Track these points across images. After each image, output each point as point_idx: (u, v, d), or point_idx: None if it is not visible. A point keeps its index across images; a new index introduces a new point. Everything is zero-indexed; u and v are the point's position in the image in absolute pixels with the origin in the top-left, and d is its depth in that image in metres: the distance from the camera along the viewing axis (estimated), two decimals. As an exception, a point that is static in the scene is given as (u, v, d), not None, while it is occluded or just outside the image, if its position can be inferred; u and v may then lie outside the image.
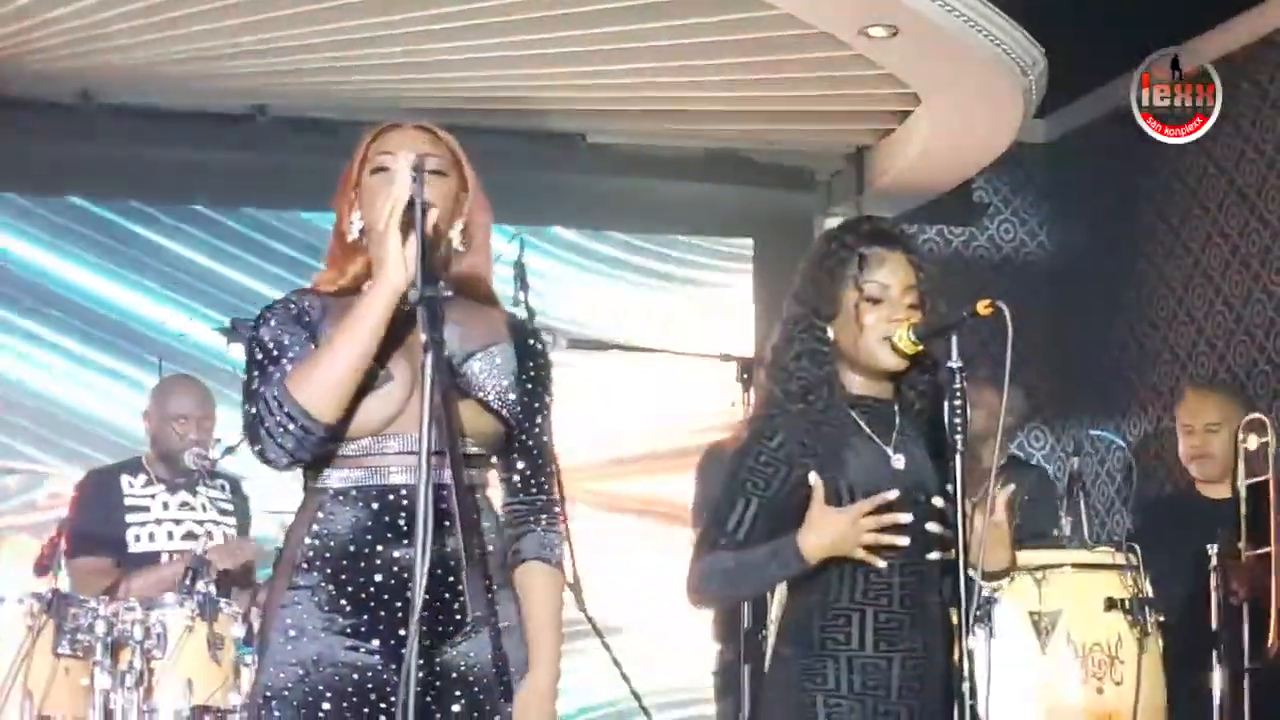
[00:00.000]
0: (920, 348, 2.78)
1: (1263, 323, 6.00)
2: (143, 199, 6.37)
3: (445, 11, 5.33)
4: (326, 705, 2.44)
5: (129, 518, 4.68)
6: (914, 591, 2.77)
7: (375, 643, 2.46)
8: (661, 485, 6.63)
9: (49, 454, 6.10)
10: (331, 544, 2.48)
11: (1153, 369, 6.54)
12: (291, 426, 2.41)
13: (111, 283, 6.30)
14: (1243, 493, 4.43)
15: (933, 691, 2.78)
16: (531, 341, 2.65)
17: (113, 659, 3.98)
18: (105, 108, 6.08)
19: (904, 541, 2.73)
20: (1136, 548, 4.18)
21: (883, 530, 2.69)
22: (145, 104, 6.13)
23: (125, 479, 4.75)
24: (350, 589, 2.46)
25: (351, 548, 2.47)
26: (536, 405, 2.62)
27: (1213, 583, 4.28)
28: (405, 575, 2.43)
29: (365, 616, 2.46)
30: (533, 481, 2.63)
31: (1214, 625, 4.25)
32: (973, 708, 2.70)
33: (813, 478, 2.72)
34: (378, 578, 2.46)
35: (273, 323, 2.53)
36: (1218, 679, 4.21)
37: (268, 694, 2.47)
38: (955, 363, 2.72)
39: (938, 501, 2.77)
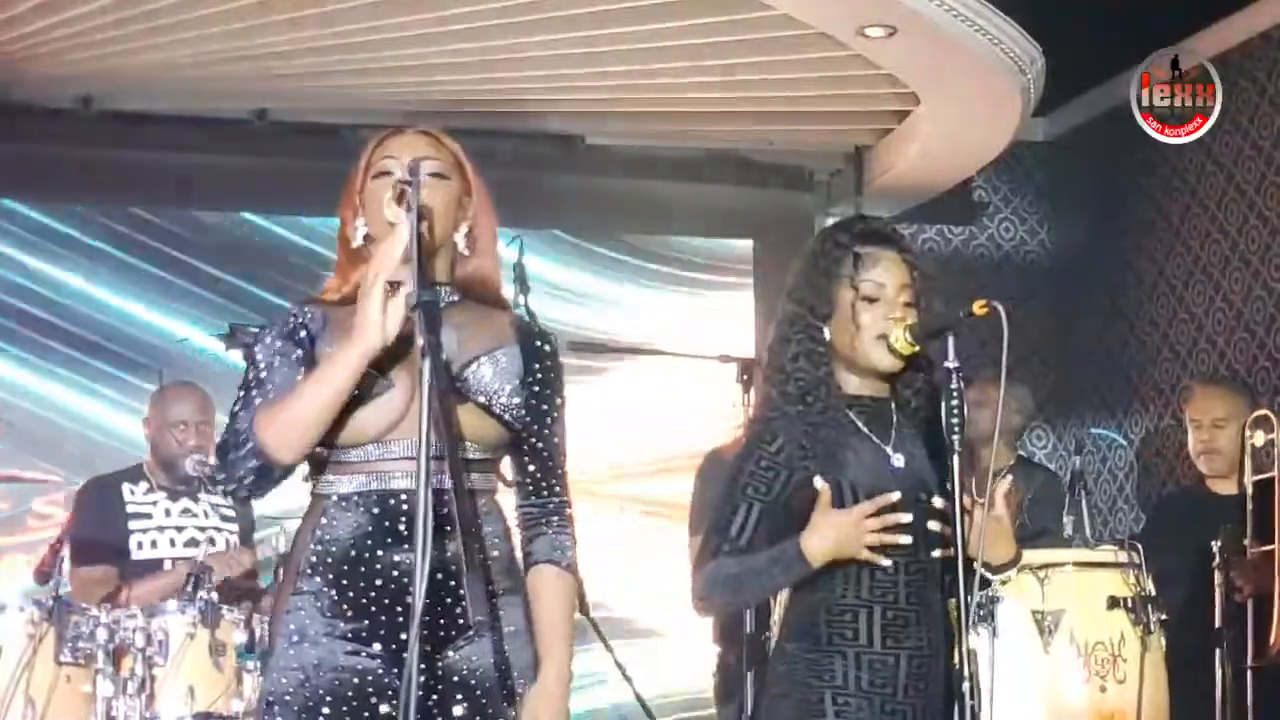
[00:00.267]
0: (916, 348, 2.78)
1: (1263, 319, 6.00)
2: (143, 204, 6.37)
3: (444, 15, 5.33)
4: (327, 709, 2.44)
5: (131, 525, 4.66)
6: (919, 589, 2.76)
7: (377, 647, 2.46)
8: (665, 487, 6.62)
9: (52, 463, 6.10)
10: (334, 549, 2.49)
11: (1153, 367, 6.54)
12: (252, 463, 2.46)
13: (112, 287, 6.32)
14: (1249, 489, 4.43)
15: (937, 690, 2.77)
16: (539, 343, 2.64)
17: (114, 666, 3.98)
18: (106, 113, 6.08)
19: (906, 540, 2.73)
20: (1139, 546, 4.18)
21: (885, 530, 2.69)
22: (145, 109, 6.13)
23: (126, 486, 4.73)
24: (352, 594, 2.47)
25: (353, 553, 2.48)
26: (545, 407, 2.61)
27: (1216, 580, 4.27)
28: (406, 580, 2.43)
29: (366, 621, 2.47)
30: (543, 484, 2.63)
31: (1217, 622, 4.24)
32: (973, 708, 2.69)
33: (818, 481, 2.72)
34: (379, 582, 2.47)
35: (268, 340, 2.55)
36: (1220, 677, 4.20)
37: (270, 699, 2.48)
38: (952, 363, 2.72)
39: (938, 501, 2.77)
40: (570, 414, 2.66)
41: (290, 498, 2.72)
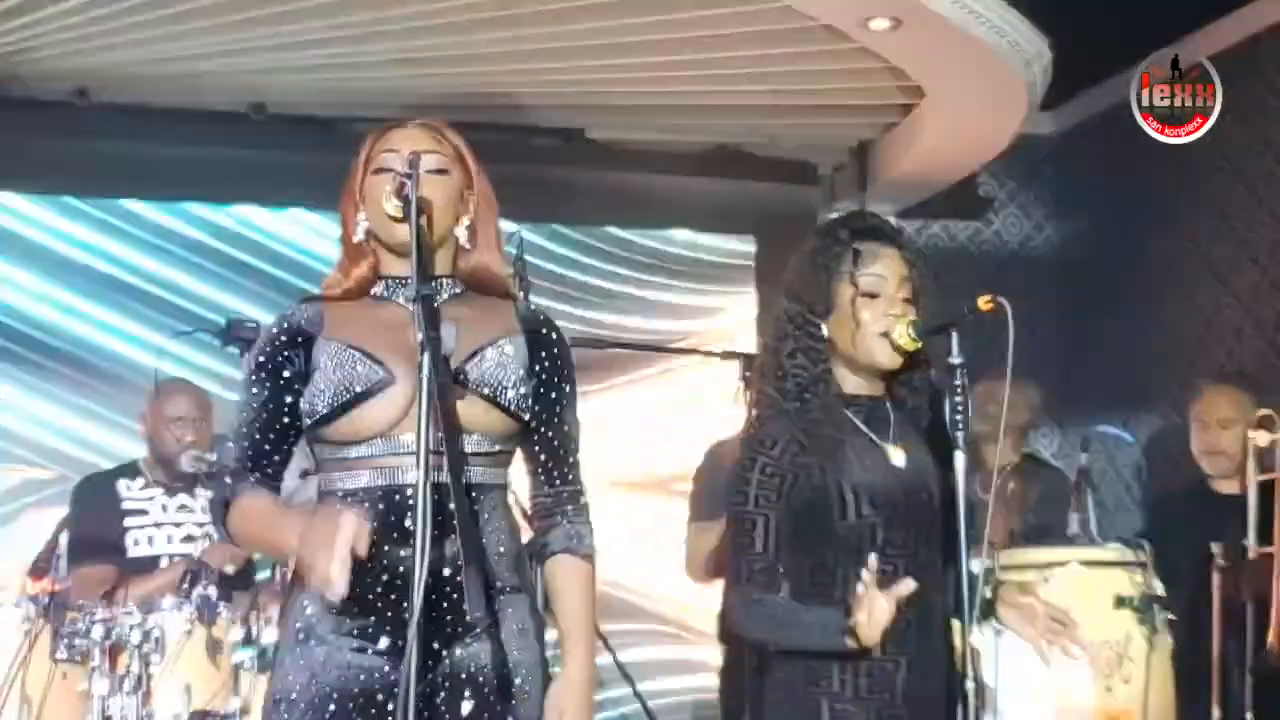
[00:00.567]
0: (920, 345, 2.76)
1: (1271, 316, 5.98)
2: (140, 197, 6.36)
3: (443, 7, 5.33)
4: (333, 707, 2.46)
5: (127, 521, 4.66)
6: (919, 591, 2.73)
7: (383, 644, 2.48)
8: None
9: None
10: None
11: (1160, 364, 6.51)
12: (222, 529, 2.60)
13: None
14: (1253, 490, 4.40)
15: (937, 694, 2.76)
16: (545, 331, 2.64)
17: (110, 664, 3.96)
18: (102, 106, 6.06)
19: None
20: (1146, 545, 4.15)
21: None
22: (142, 102, 6.12)
23: (123, 483, 4.73)
24: (358, 591, 2.45)
25: (359, 550, 2.45)
26: (554, 395, 2.62)
27: (1215, 581, 4.24)
28: (411, 576, 2.41)
29: (372, 618, 2.48)
30: (556, 473, 2.64)
31: (1215, 623, 4.22)
32: (977, 708, 2.67)
33: (860, 586, 2.61)
34: (385, 579, 2.48)
35: (260, 346, 2.59)
36: (1218, 679, 4.18)
37: (277, 697, 2.50)
38: (957, 359, 2.70)
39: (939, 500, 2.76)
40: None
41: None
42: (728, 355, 4.45)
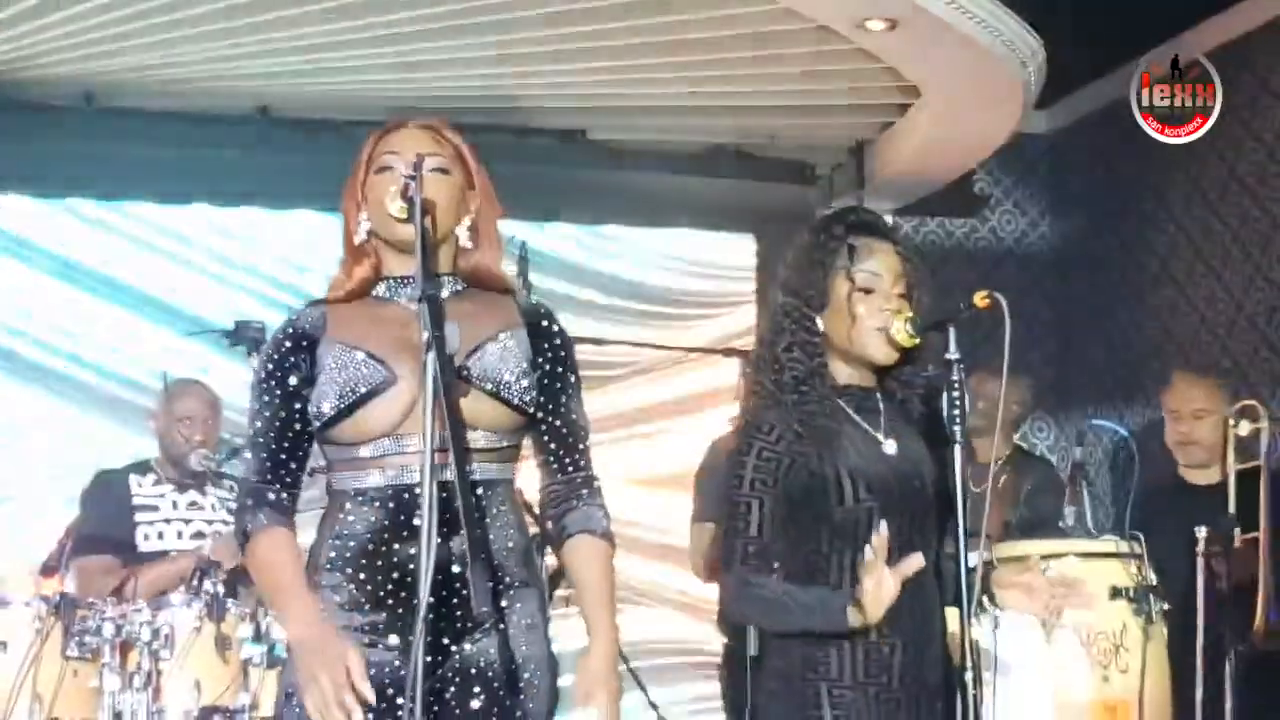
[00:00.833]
0: (917, 340, 2.78)
1: (1264, 310, 6.00)
2: (145, 200, 6.37)
3: (444, 10, 5.34)
4: None
5: (138, 516, 4.68)
6: (913, 576, 2.73)
7: (393, 639, 2.49)
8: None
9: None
10: (352, 544, 2.51)
11: (1155, 358, 6.54)
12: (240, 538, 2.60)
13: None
14: (1233, 479, 4.42)
15: (933, 677, 2.78)
16: (546, 323, 2.66)
17: (121, 660, 3.99)
18: (108, 110, 6.09)
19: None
20: (1140, 536, 4.18)
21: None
22: (148, 106, 6.13)
23: (134, 479, 4.76)
24: (369, 587, 2.49)
25: (370, 547, 2.50)
26: (559, 385, 2.63)
27: (1199, 568, 4.27)
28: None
29: (383, 614, 2.49)
30: (567, 461, 2.65)
31: (1200, 610, 4.24)
32: (975, 698, 2.69)
33: (868, 551, 2.63)
34: (395, 576, 2.49)
35: (266, 354, 2.60)
36: (1202, 664, 4.20)
37: (289, 691, 2.50)
38: (954, 354, 2.72)
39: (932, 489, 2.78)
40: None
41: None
42: (729, 353, 4.48)
